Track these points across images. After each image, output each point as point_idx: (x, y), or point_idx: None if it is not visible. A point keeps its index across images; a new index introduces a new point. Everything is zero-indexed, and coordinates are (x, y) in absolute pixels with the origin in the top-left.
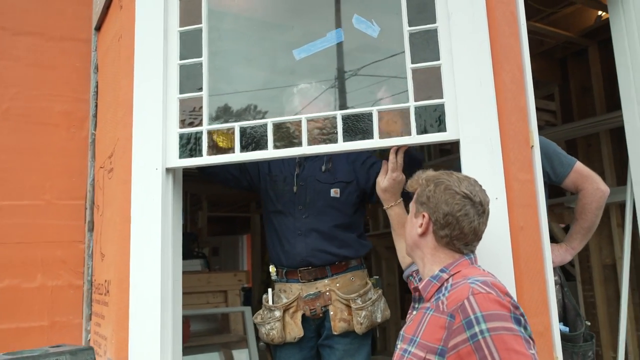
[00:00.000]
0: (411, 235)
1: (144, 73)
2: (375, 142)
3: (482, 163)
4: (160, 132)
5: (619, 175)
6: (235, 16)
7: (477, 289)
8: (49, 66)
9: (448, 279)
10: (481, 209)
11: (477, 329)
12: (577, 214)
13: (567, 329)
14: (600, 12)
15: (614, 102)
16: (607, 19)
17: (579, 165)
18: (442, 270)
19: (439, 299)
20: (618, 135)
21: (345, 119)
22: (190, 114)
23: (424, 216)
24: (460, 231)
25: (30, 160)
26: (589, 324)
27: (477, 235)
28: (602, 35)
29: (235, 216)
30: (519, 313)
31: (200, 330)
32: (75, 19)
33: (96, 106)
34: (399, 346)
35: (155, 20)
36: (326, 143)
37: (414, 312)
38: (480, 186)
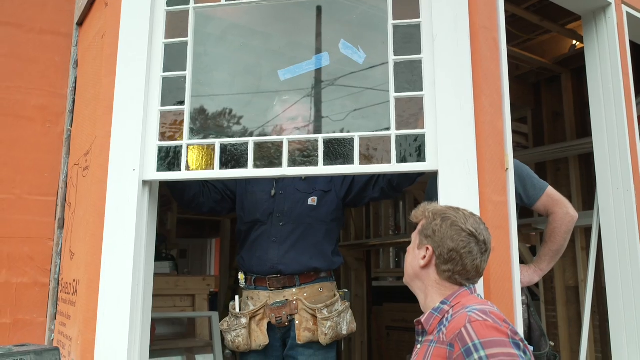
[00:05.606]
0: (412, 266)
1: (126, 82)
2: (355, 168)
3: (459, 183)
4: (139, 137)
5: (585, 200)
6: (221, 35)
7: (474, 317)
8: (27, 59)
9: (449, 310)
10: (484, 248)
11: (476, 356)
12: (547, 236)
13: (531, 348)
14: (574, 42)
15: (584, 129)
16: (581, 49)
17: (550, 189)
18: (442, 302)
19: (441, 330)
20: (586, 161)
21: (327, 142)
22: (170, 127)
23: (427, 249)
24: (462, 267)
25: (0, 153)
26: (553, 344)
27: (478, 273)
28: (575, 63)
29: (205, 219)
30: (518, 338)
31: (165, 333)
32: (56, 13)
33: (74, 102)
34: None
35: (140, 29)
36: (306, 165)
37: (418, 346)
38: (485, 225)
